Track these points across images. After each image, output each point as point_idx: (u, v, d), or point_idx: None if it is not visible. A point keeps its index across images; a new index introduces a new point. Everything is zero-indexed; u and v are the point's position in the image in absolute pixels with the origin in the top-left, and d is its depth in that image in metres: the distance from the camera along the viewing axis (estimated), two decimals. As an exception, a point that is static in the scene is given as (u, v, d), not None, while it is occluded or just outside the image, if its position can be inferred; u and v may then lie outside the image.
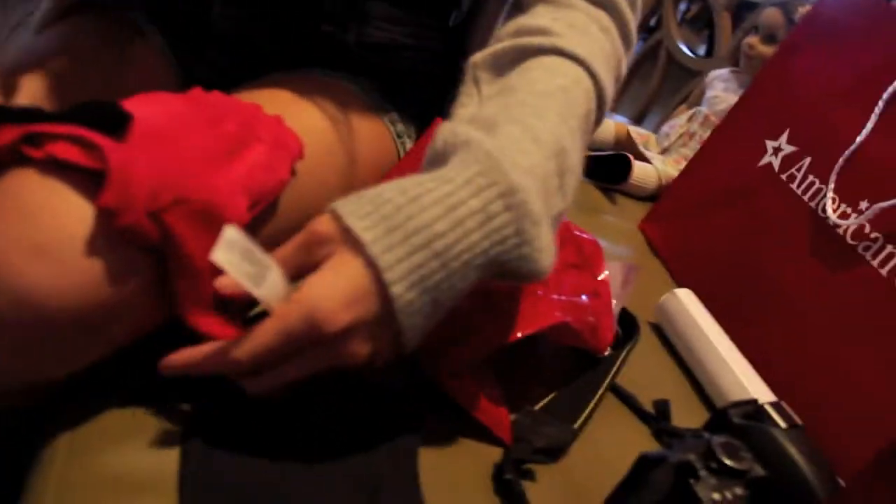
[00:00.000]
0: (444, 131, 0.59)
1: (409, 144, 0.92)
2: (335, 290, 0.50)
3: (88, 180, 0.50)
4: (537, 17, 0.69)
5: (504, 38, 0.69)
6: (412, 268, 0.51)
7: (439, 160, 0.58)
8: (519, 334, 0.70)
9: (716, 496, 0.60)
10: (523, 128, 0.59)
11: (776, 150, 1.09)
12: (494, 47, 0.68)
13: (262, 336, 0.50)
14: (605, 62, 0.69)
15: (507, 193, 0.54)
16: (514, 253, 0.56)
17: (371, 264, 0.51)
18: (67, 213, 0.49)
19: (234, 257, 0.48)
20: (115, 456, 0.56)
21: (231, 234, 0.48)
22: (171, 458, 0.56)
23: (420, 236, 0.51)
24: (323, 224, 0.53)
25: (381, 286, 0.51)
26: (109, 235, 0.50)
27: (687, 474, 0.60)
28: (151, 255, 0.53)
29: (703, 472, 0.61)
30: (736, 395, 0.88)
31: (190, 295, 0.55)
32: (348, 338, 0.52)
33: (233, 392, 0.57)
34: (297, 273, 0.53)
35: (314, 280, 0.51)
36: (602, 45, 0.69)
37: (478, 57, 0.69)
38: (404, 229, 0.51)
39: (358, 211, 0.52)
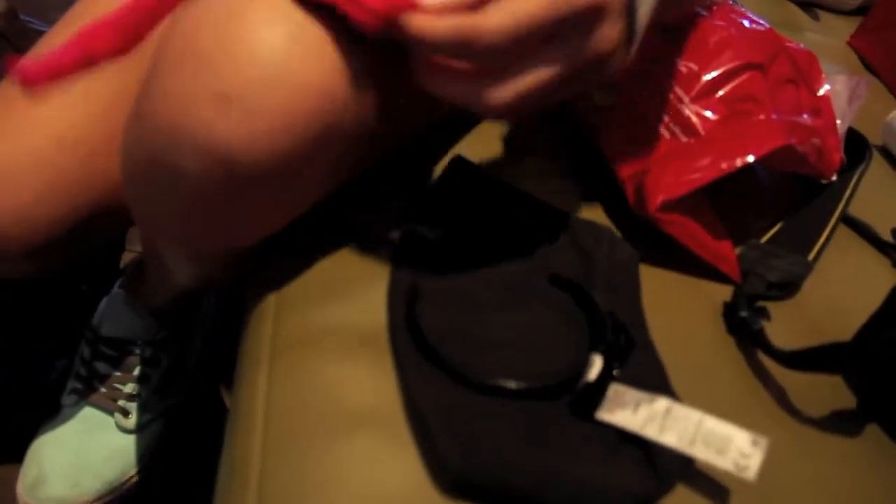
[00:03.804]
0: None
1: None
2: None
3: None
4: None
5: None
6: None
7: None
8: (738, 162, 0.62)
9: None
10: None
11: None
12: None
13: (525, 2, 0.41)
14: None
15: None
16: None
17: None
18: (249, 56, 0.45)
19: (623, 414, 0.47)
20: (321, 311, 0.54)
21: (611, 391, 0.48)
22: (377, 310, 0.53)
23: None
24: None
25: None
26: (297, 76, 0.46)
27: (957, 303, 0.52)
28: (344, 90, 0.48)
29: (975, 300, 0.52)
30: None
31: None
32: (604, 16, 0.45)
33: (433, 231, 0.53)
34: None
35: None
36: None
37: None
38: None
39: None
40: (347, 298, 0.54)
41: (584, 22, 0.44)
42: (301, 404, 0.48)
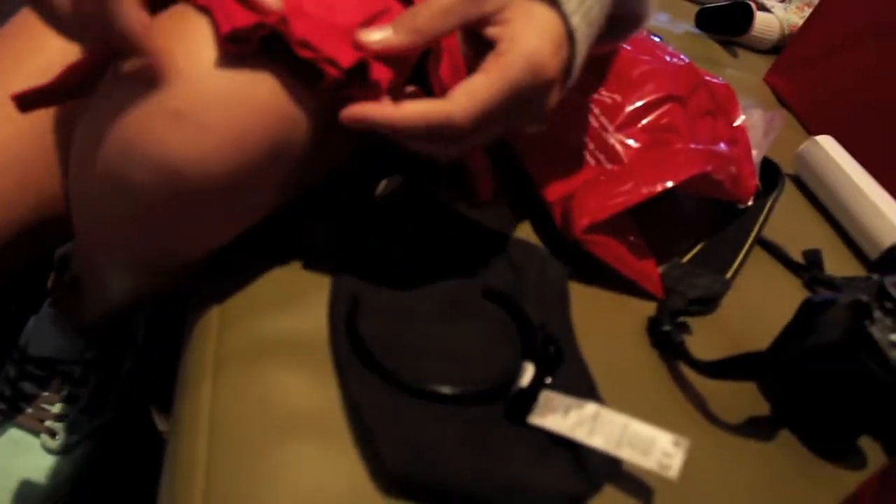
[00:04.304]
0: None
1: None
2: (544, 38, 0.49)
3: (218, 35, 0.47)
4: None
5: None
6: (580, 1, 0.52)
7: None
8: (658, 188, 0.66)
9: (893, 337, 0.56)
10: None
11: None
12: None
13: (485, 92, 0.47)
14: None
15: None
16: None
17: (555, 5, 0.50)
18: (202, 73, 0.46)
19: (554, 418, 0.49)
20: (264, 322, 0.55)
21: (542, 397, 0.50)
22: (319, 320, 0.55)
23: None
24: None
25: (567, 27, 0.51)
26: (251, 94, 0.47)
27: (861, 316, 0.56)
28: (293, 109, 0.50)
29: (877, 313, 0.56)
30: (890, 240, 0.82)
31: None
32: (555, 85, 0.51)
33: (373, 246, 0.56)
34: (462, 27, 0.49)
35: (520, 31, 0.48)
36: None
37: None
38: None
39: None
40: (289, 309, 0.55)
41: (535, 98, 0.50)
42: (245, 413, 0.49)
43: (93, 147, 0.49)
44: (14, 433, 0.83)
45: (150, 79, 0.46)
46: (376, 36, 0.47)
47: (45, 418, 0.83)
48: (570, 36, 0.51)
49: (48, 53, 0.70)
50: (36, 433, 0.83)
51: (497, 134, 0.52)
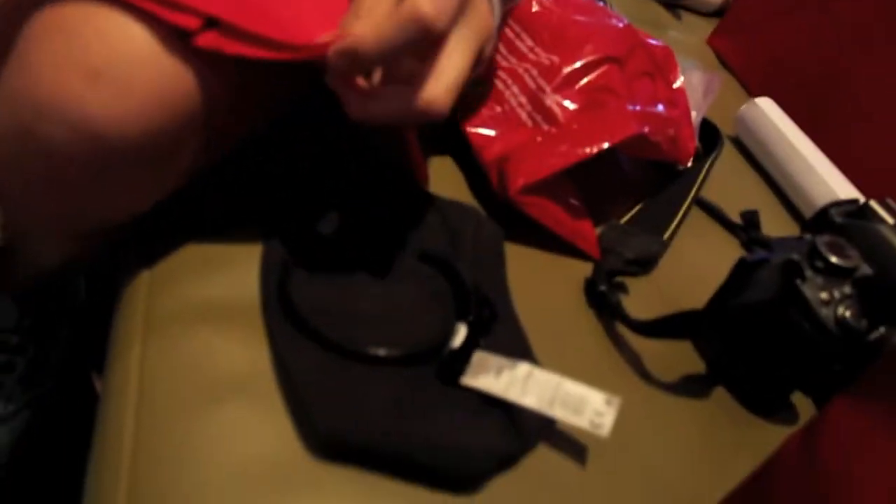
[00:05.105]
0: None
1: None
2: None
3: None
4: None
5: None
6: None
7: None
8: (594, 149, 0.66)
9: (823, 295, 0.57)
10: None
11: (861, -60, 1.00)
12: None
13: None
14: None
15: None
16: None
17: None
18: (119, 32, 0.45)
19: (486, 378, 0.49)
20: (194, 286, 0.54)
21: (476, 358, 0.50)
22: (250, 284, 0.54)
23: None
24: None
25: None
26: (170, 53, 0.46)
27: (792, 274, 0.57)
28: (215, 72, 0.49)
29: (808, 272, 0.57)
30: (825, 201, 0.83)
31: None
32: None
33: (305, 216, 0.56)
34: None
35: None
36: None
37: None
38: None
39: None
40: (221, 273, 0.55)
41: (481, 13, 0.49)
42: (174, 377, 0.48)
43: (10, 106, 0.47)
44: (-53, 404, 0.81)
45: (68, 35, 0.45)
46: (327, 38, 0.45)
47: (-21, 388, 0.82)
48: None
49: None
50: (-29, 403, 0.82)
51: (467, 65, 0.49)
